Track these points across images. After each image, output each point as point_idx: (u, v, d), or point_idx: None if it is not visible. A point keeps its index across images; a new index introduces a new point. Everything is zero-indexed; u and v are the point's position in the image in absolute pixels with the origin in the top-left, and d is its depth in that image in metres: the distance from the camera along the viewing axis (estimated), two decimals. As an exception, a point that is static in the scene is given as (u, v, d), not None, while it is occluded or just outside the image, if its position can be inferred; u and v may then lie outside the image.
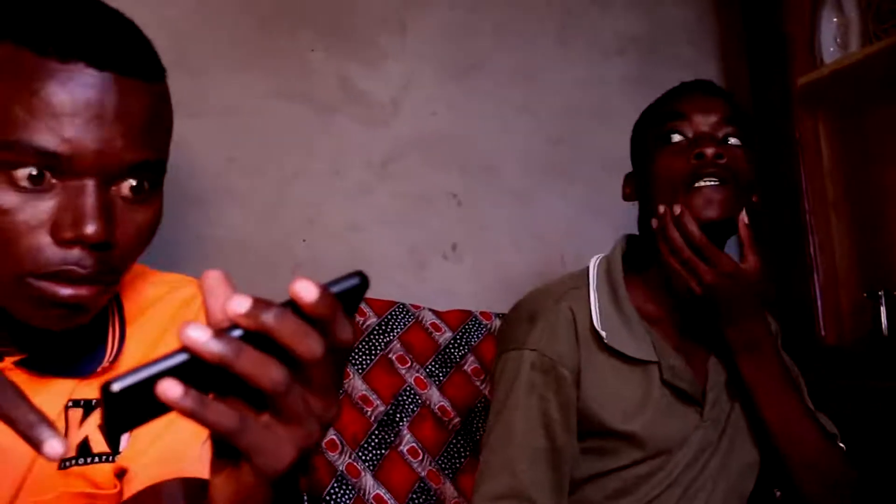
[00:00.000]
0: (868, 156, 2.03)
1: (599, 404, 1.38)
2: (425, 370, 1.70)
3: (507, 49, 2.13)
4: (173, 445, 0.95)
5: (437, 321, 1.76)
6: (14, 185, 0.82)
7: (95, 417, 0.96)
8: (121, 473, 0.97)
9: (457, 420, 1.68)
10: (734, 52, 2.34)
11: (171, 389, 0.54)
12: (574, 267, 1.58)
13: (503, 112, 2.10)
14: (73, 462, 0.95)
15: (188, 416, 0.55)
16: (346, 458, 1.56)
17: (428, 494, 1.60)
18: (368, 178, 1.95)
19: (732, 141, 1.44)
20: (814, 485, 1.44)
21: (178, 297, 1.07)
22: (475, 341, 1.77)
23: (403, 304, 1.75)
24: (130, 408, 0.56)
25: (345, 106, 1.94)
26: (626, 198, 1.56)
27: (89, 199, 0.83)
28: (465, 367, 1.74)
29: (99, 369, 0.96)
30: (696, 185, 1.39)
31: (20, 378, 0.91)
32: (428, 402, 1.67)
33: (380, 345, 1.67)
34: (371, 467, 1.58)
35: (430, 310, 1.78)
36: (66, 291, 0.84)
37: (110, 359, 0.97)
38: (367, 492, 1.55)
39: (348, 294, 0.61)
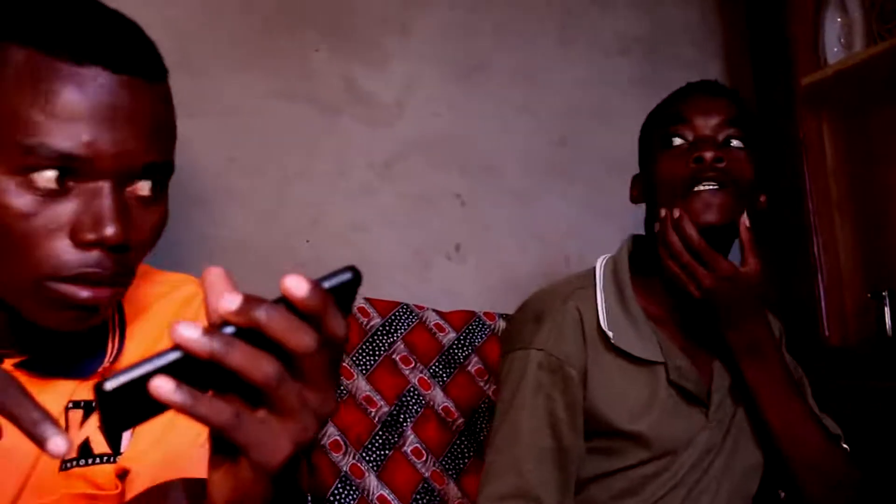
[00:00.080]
0: (872, 156, 2.03)
1: (606, 404, 1.38)
2: (429, 371, 1.69)
3: (509, 49, 2.13)
4: (175, 446, 0.95)
5: (441, 322, 1.76)
6: (32, 188, 0.82)
7: (96, 418, 0.96)
8: (122, 474, 0.97)
9: (461, 421, 1.68)
10: (737, 52, 2.34)
11: (162, 386, 0.55)
12: (577, 267, 1.58)
13: (505, 112, 2.10)
14: (75, 463, 0.95)
15: (181, 412, 0.56)
16: (350, 458, 1.56)
17: (432, 495, 1.60)
18: (371, 178, 1.95)
19: (735, 143, 1.44)
20: (817, 486, 1.44)
21: (178, 296, 1.07)
22: (479, 342, 1.77)
23: (407, 305, 1.75)
24: (126, 406, 0.57)
25: (348, 106, 1.94)
26: (633, 200, 1.56)
27: (108, 201, 0.84)
28: (469, 368, 1.73)
29: (100, 370, 0.96)
30: (696, 189, 1.39)
31: (20, 380, 0.91)
32: (432, 403, 1.67)
33: (383, 345, 1.67)
34: (375, 468, 1.58)
35: (434, 310, 1.78)
36: (85, 294, 0.85)
37: (110, 359, 0.97)
38: (370, 492, 1.55)
39: (341, 289, 0.61)
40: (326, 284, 0.60)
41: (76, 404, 0.96)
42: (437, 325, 1.75)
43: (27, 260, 0.83)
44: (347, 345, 1.63)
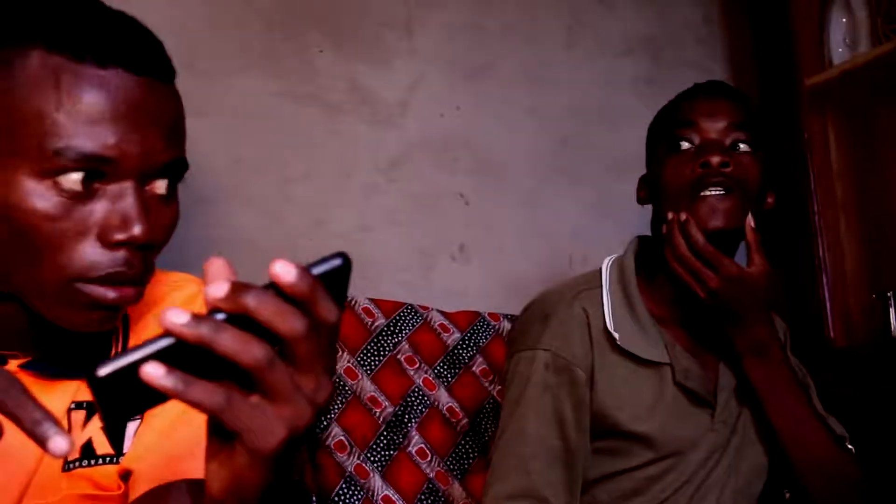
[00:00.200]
0: (877, 156, 2.02)
1: (612, 405, 1.38)
2: (434, 371, 1.69)
3: (514, 50, 2.13)
4: (178, 447, 0.95)
5: (446, 322, 1.76)
6: (60, 191, 0.83)
7: (98, 419, 0.96)
8: (125, 475, 0.97)
9: (465, 421, 1.68)
10: (742, 52, 2.33)
11: (153, 371, 0.55)
12: (581, 268, 1.58)
13: (510, 113, 2.10)
14: (77, 464, 0.95)
15: (173, 396, 0.56)
16: (355, 458, 1.56)
17: (436, 495, 1.60)
18: (376, 179, 1.95)
19: (742, 147, 1.43)
20: (822, 486, 1.44)
21: (180, 296, 1.07)
22: (483, 342, 1.77)
23: (412, 305, 1.75)
24: (123, 396, 0.57)
25: (352, 107, 1.94)
26: (640, 201, 1.56)
27: (133, 201, 0.85)
28: (474, 368, 1.73)
29: None
30: (702, 193, 1.39)
31: (24, 381, 0.91)
32: (436, 403, 1.67)
33: (388, 346, 1.67)
34: (379, 468, 1.58)
35: (439, 311, 1.78)
36: (112, 295, 0.86)
37: None
38: (375, 493, 1.55)
39: (332, 275, 0.61)
40: (315, 270, 0.60)
41: (79, 405, 0.96)
42: (441, 325, 1.75)
43: (55, 262, 0.84)
44: (352, 345, 1.63)
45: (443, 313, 1.77)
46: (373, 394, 1.62)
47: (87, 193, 0.84)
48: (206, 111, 1.73)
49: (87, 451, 0.96)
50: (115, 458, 0.97)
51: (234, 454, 0.62)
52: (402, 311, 1.73)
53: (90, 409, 0.96)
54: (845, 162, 2.06)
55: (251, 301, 0.57)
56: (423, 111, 2.01)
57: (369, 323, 1.68)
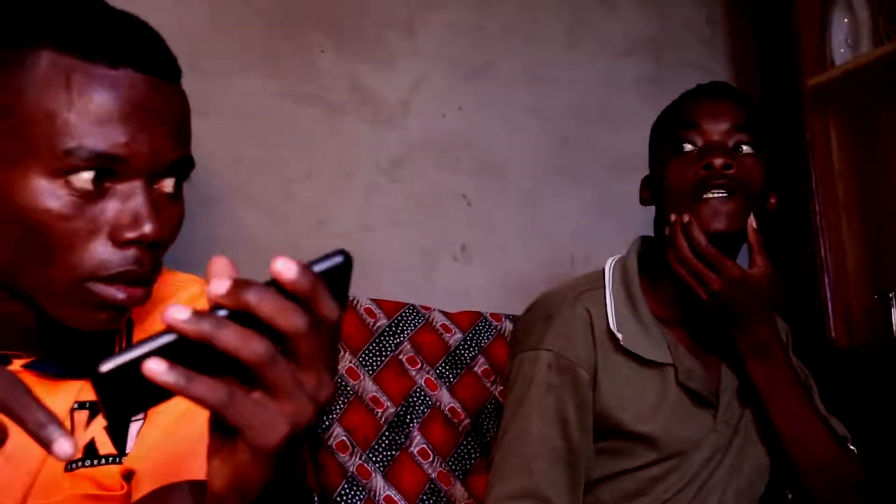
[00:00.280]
0: (879, 157, 2.02)
1: (615, 405, 1.39)
2: (435, 371, 1.69)
3: (515, 50, 2.13)
4: (181, 448, 0.95)
5: (448, 322, 1.76)
6: (71, 190, 0.84)
7: (102, 419, 0.96)
8: (128, 475, 0.97)
9: (467, 421, 1.68)
10: (744, 52, 2.33)
11: (155, 367, 0.55)
12: (583, 268, 1.58)
13: (512, 113, 2.10)
14: (80, 464, 0.95)
15: (175, 392, 0.56)
16: (357, 459, 1.56)
17: (438, 496, 1.60)
18: (378, 179, 1.95)
19: (745, 149, 1.43)
20: (824, 487, 1.44)
21: (183, 296, 1.07)
22: (485, 342, 1.77)
23: (413, 306, 1.75)
24: (126, 392, 0.57)
25: (354, 107, 1.94)
26: (643, 202, 1.56)
27: (144, 200, 0.86)
28: (476, 369, 1.73)
29: None
30: (705, 196, 1.39)
31: (27, 381, 0.90)
32: (438, 404, 1.67)
33: (390, 346, 1.67)
34: (381, 468, 1.58)
35: (440, 311, 1.78)
36: (122, 295, 0.87)
37: None
38: (377, 493, 1.55)
39: (333, 273, 0.61)
40: (316, 267, 0.60)
41: (82, 405, 0.96)
42: (443, 325, 1.75)
43: (67, 261, 0.85)
44: (353, 345, 1.63)
45: (444, 313, 1.77)
46: (375, 394, 1.62)
47: (97, 192, 0.84)
48: (207, 111, 1.73)
49: (90, 451, 0.96)
50: (117, 458, 0.97)
51: (236, 450, 0.62)
52: (404, 312, 1.73)
53: (93, 409, 0.96)
54: (847, 162, 2.06)
55: (252, 297, 0.57)
56: (424, 111, 2.01)
57: (371, 323, 1.68)
